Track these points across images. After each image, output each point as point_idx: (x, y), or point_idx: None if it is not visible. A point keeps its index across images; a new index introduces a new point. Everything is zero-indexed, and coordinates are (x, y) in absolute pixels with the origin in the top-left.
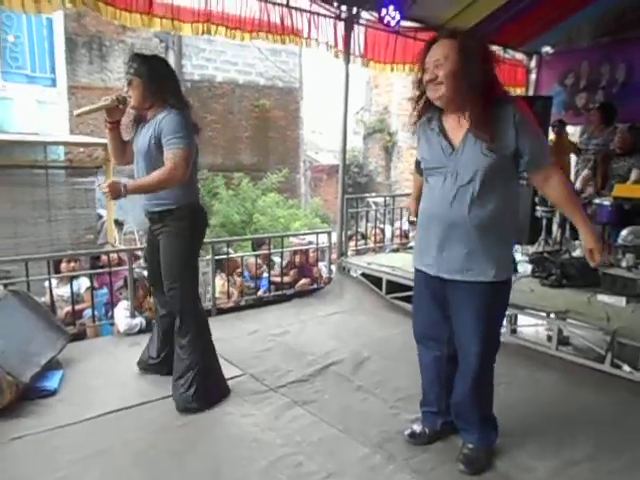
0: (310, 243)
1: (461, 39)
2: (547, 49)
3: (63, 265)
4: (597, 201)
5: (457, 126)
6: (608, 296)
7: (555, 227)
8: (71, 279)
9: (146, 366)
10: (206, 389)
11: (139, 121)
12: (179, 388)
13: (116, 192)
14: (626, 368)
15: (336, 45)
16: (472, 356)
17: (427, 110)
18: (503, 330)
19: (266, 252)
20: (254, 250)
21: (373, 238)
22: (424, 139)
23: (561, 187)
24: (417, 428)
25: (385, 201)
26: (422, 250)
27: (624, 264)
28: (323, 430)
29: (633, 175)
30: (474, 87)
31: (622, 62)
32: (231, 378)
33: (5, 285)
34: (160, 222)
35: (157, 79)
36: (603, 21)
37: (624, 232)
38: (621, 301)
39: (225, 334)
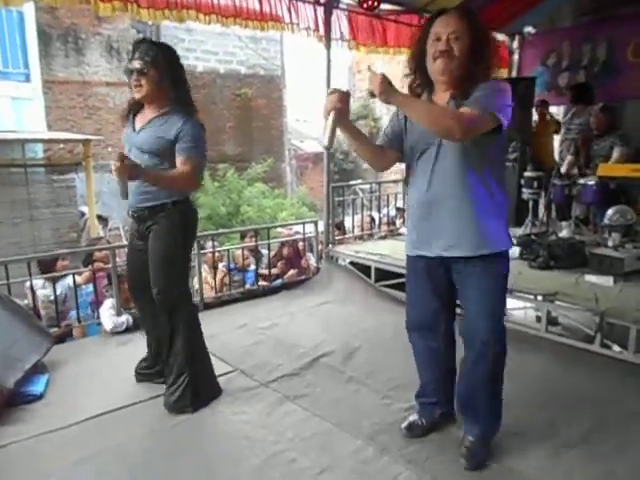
0: (297, 233)
1: (472, 16)
2: (529, 29)
3: (59, 263)
4: (582, 181)
5: (445, 103)
6: (596, 276)
7: (541, 209)
8: (53, 280)
9: (141, 376)
10: (198, 391)
11: (135, 112)
12: (172, 391)
13: (134, 173)
14: (616, 348)
15: (317, 30)
16: (483, 339)
17: (420, 88)
18: None
19: (252, 244)
20: (242, 241)
21: (365, 226)
22: (408, 122)
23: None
24: (414, 420)
25: (371, 188)
26: (416, 235)
27: (610, 243)
28: (315, 425)
29: (615, 153)
30: (477, 67)
31: (603, 41)
32: (221, 375)
33: None
34: (150, 219)
35: (176, 72)
36: (583, 1)
37: (610, 211)
38: (609, 281)
39: (213, 329)
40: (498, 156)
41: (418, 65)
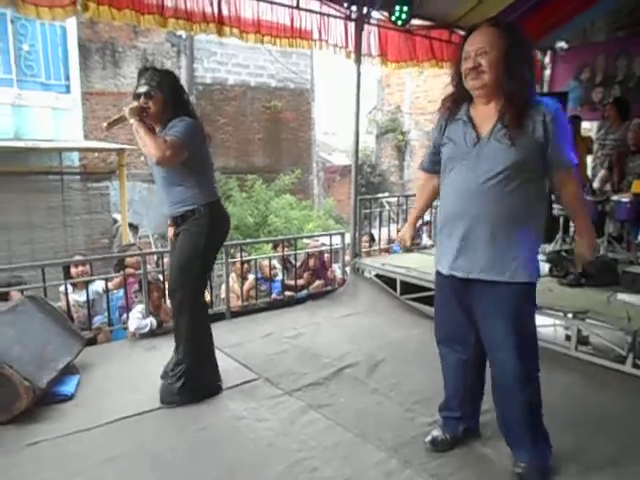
0: (323, 245)
1: (506, 28)
2: (561, 44)
3: (73, 270)
4: (615, 198)
5: (486, 117)
6: (628, 295)
7: (572, 225)
8: (87, 284)
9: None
10: (192, 386)
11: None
12: (167, 380)
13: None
14: None
15: (347, 46)
16: (511, 368)
17: (457, 103)
18: None
19: (279, 254)
20: (274, 251)
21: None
22: (447, 130)
23: (572, 195)
24: (438, 434)
25: (398, 201)
26: (445, 251)
27: None
28: (338, 434)
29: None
30: (514, 78)
31: (639, 55)
32: (246, 382)
33: (22, 291)
34: (182, 224)
35: (177, 93)
36: (618, 15)
37: None
38: None
39: (240, 337)
40: (540, 176)
41: (459, 82)
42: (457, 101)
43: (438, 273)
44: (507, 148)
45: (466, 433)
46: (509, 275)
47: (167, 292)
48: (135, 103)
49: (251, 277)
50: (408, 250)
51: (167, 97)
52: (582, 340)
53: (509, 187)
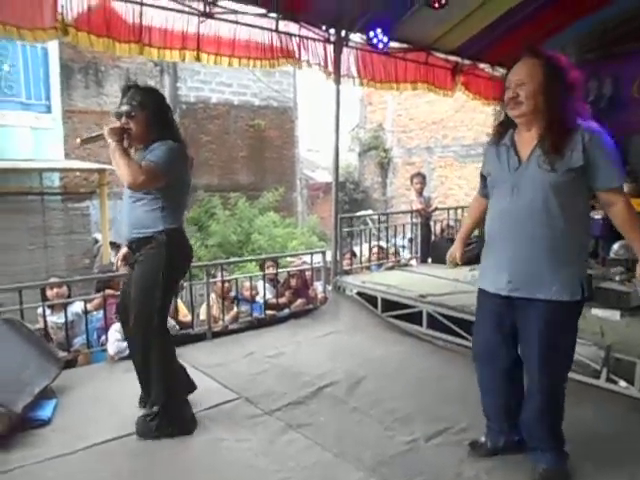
0: (305, 263)
1: (545, 59)
2: None
3: (49, 292)
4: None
5: (527, 142)
6: (602, 310)
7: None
8: (65, 306)
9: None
10: (169, 423)
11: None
12: (144, 417)
13: (117, 133)
14: (622, 384)
15: (326, 66)
16: (543, 379)
17: (505, 129)
18: None
19: (261, 274)
20: (260, 270)
21: (375, 256)
22: (493, 154)
23: (624, 214)
24: (479, 440)
25: (379, 218)
26: (488, 269)
27: (617, 278)
28: (317, 454)
29: (625, 189)
30: (553, 108)
31: (608, 77)
32: (226, 402)
33: None
34: (138, 251)
35: (159, 113)
36: (588, 39)
37: (616, 246)
38: (615, 315)
39: (221, 358)
40: (581, 198)
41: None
42: (505, 127)
43: (481, 291)
44: (547, 173)
45: (508, 445)
46: (552, 294)
47: (127, 327)
48: (117, 123)
49: (235, 310)
50: (457, 265)
51: (150, 117)
52: None
53: (550, 209)
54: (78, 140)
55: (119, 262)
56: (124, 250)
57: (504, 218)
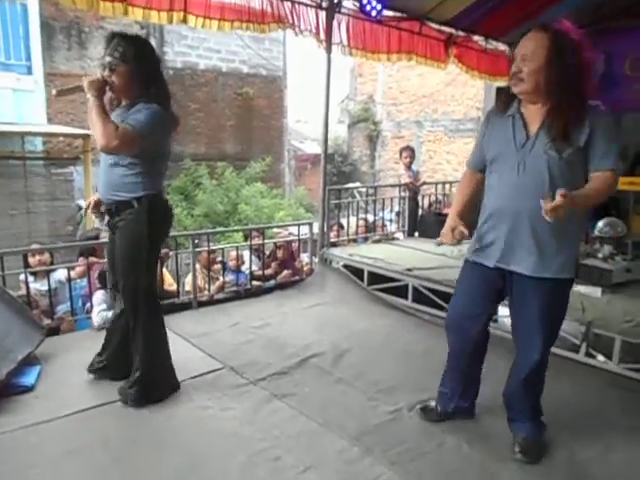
0: (292, 234)
1: (553, 33)
2: None
3: (30, 259)
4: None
5: (535, 115)
6: (584, 286)
7: None
8: (48, 273)
9: (94, 370)
10: (150, 389)
11: (118, 103)
12: (126, 383)
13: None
14: (600, 358)
15: (318, 34)
16: (533, 352)
17: (510, 97)
18: None
19: (247, 244)
20: (246, 240)
21: (361, 229)
22: (495, 128)
23: (604, 183)
24: (429, 404)
25: (367, 191)
26: (485, 243)
27: (600, 255)
28: (302, 424)
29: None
30: (560, 84)
31: (601, 53)
32: (211, 371)
33: None
34: (117, 215)
35: (145, 66)
36: (581, 13)
37: (600, 223)
38: (597, 292)
39: (206, 327)
40: (585, 180)
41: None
42: (512, 96)
43: (473, 264)
44: (552, 158)
45: (457, 411)
46: (554, 272)
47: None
48: (97, 75)
49: (220, 279)
50: (457, 243)
51: (134, 70)
52: None
53: (552, 186)
54: (54, 91)
55: (89, 210)
56: (95, 197)
57: (507, 194)
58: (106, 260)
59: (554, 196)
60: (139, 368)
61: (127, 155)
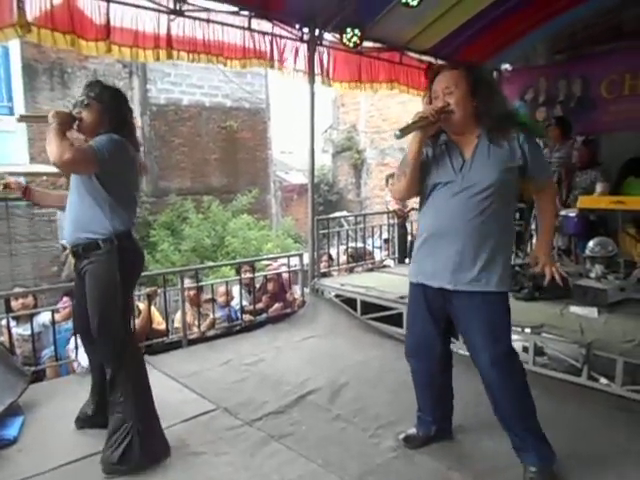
0: (282, 266)
1: (465, 69)
2: (506, 67)
3: (13, 303)
4: (563, 213)
5: (466, 143)
6: (580, 307)
7: (527, 240)
8: (31, 316)
9: (82, 422)
10: (138, 449)
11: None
12: (109, 447)
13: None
14: (603, 381)
15: (300, 65)
16: (488, 366)
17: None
18: None
19: (237, 278)
20: (237, 274)
21: (349, 258)
22: (431, 156)
23: (550, 197)
24: (412, 432)
25: (356, 220)
26: (425, 264)
27: (593, 275)
28: (301, 466)
29: (598, 188)
30: (487, 112)
31: (578, 77)
32: (204, 413)
33: None
34: (85, 258)
35: (117, 109)
36: (557, 40)
37: (591, 243)
38: (593, 312)
39: (197, 366)
40: (515, 196)
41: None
42: (436, 134)
43: (417, 286)
44: (489, 169)
45: (438, 433)
46: (494, 285)
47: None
48: (62, 115)
49: (211, 316)
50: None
51: (105, 110)
52: (537, 351)
53: (491, 205)
54: (17, 116)
55: (12, 186)
56: (13, 179)
57: (445, 215)
58: (73, 308)
59: (495, 217)
60: (125, 425)
61: (93, 193)
